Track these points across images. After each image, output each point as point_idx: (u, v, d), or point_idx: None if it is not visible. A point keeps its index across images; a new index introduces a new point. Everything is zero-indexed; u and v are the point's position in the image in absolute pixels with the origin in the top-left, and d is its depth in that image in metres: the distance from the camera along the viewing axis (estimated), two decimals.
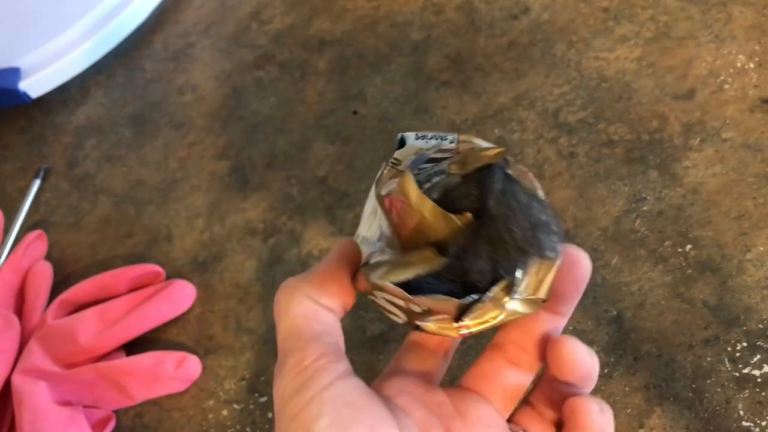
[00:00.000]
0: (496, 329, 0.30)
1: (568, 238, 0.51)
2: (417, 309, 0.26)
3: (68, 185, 0.67)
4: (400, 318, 0.28)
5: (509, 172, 0.28)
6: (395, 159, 0.29)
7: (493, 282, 0.26)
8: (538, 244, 0.26)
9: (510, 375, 0.30)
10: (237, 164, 0.63)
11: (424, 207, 0.27)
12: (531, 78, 0.59)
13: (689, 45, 0.56)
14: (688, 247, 0.49)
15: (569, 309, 0.30)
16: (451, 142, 0.29)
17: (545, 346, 0.29)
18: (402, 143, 0.30)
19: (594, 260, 0.50)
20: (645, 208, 0.51)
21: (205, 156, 0.65)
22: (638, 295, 0.48)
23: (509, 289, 0.26)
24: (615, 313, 0.48)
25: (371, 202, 0.30)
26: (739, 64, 0.54)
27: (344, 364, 0.27)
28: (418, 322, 0.27)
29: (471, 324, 0.26)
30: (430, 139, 0.30)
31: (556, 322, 0.30)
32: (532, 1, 0.63)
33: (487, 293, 0.26)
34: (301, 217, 0.58)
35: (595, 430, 0.27)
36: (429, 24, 0.65)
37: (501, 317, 0.26)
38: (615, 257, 0.50)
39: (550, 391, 0.30)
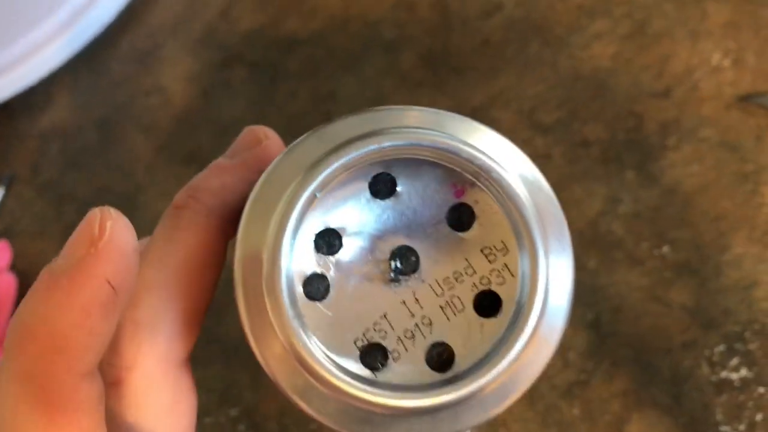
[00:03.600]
0: None
1: None
2: None
3: (33, 193, 0.65)
4: None
5: None
6: None
7: None
8: None
9: None
10: (204, 167, 0.61)
11: None
12: (505, 77, 0.58)
13: (665, 42, 0.55)
14: (666, 248, 0.48)
15: None
16: None
17: None
18: None
19: None
20: (621, 210, 0.50)
21: (172, 161, 0.63)
22: (615, 298, 0.47)
23: None
24: (592, 317, 0.47)
25: None
26: (714, 62, 0.54)
27: None
28: None
29: None
30: None
31: None
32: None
33: None
34: None
35: None
36: (401, 22, 0.64)
37: None
38: (591, 260, 0.49)
39: None
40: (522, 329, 0.20)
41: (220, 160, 0.24)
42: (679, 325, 0.45)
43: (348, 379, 0.20)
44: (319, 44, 0.65)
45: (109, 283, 0.18)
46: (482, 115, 0.56)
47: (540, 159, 0.53)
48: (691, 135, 0.51)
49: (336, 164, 0.20)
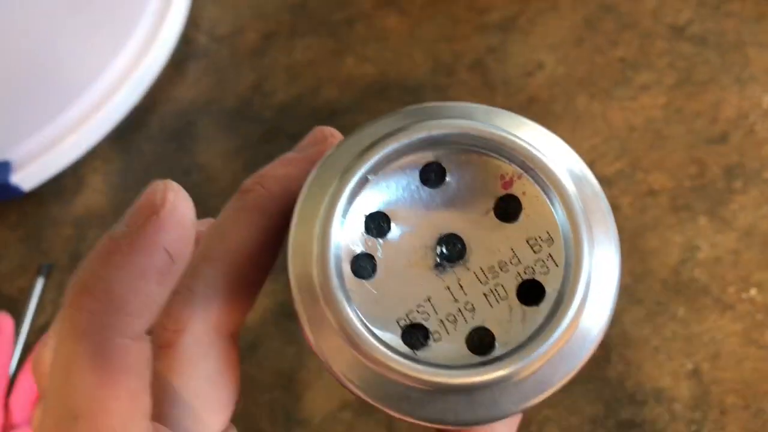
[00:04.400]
0: None
1: (628, 292, 0.50)
2: None
3: None
4: None
5: None
6: None
7: None
8: None
9: None
10: None
11: None
12: (558, 133, 0.58)
13: (712, 89, 0.57)
14: (753, 291, 0.48)
15: None
16: None
17: None
18: None
19: (659, 313, 0.49)
20: (701, 256, 0.50)
21: None
22: (711, 345, 0.47)
23: None
24: (692, 366, 0.47)
25: None
26: (765, 105, 0.55)
27: None
28: None
29: None
30: None
31: None
32: (545, 57, 0.63)
33: None
34: None
35: None
36: (442, 86, 0.64)
37: None
38: (680, 308, 0.49)
39: None
40: (561, 317, 0.20)
41: (288, 153, 0.26)
42: None
43: (388, 352, 0.20)
44: (360, 111, 0.66)
45: (166, 250, 0.19)
46: None
47: None
48: (756, 177, 0.52)
49: (388, 149, 0.21)
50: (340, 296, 0.20)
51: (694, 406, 0.46)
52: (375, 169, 0.21)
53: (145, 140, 0.70)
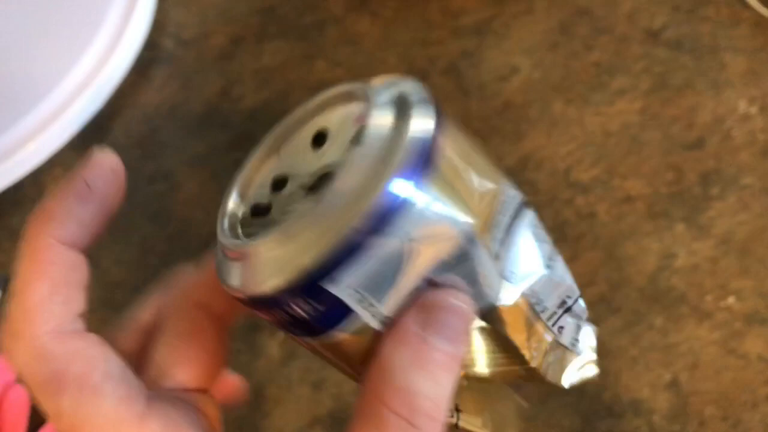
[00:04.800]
0: None
1: (605, 301, 0.49)
2: None
3: None
4: None
5: None
6: None
7: None
8: None
9: None
10: None
11: None
12: (533, 138, 0.57)
13: (688, 94, 0.56)
14: (731, 299, 0.47)
15: None
16: None
17: None
18: None
19: (637, 323, 0.48)
20: (678, 264, 0.49)
21: (189, 248, 0.60)
22: (690, 355, 0.46)
23: None
24: (670, 377, 0.46)
25: None
26: (741, 110, 0.55)
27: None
28: None
29: None
30: None
31: None
32: (520, 61, 0.62)
33: None
34: None
35: None
36: None
37: None
38: (657, 318, 0.48)
39: None
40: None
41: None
42: (760, 377, 0.45)
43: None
44: None
45: (84, 180, 0.27)
46: (517, 176, 0.55)
47: (585, 218, 0.53)
48: (733, 183, 0.52)
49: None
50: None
51: (672, 418, 0.45)
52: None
53: (109, 147, 0.68)
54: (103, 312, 0.57)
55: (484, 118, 0.60)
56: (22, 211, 0.66)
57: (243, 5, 0.74)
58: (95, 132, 0.69)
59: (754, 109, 0.54)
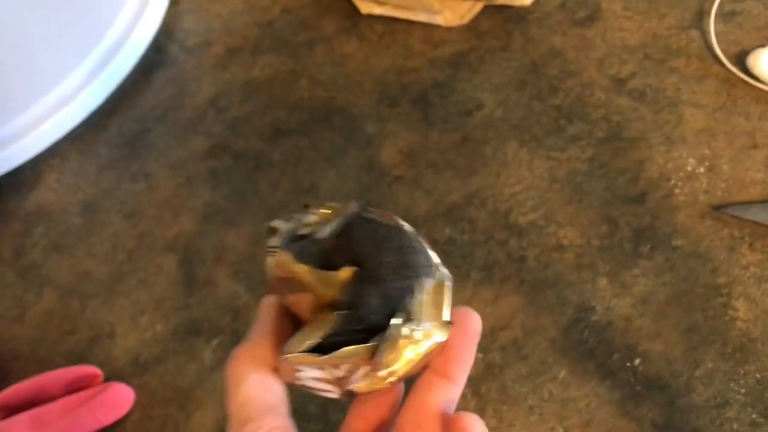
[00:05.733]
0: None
1: (516, 347, 0.50)
2: (340, 373, 0.27)
3: (14, 275, 0.66)
4: (334, 392, 0.28)
5: (367, 215, 0.29)
6: (271, 247, 0.30)
7: (390, 317, 0.27)
8: (411, 264, 0.28)
9: None
10: (185, 258, 0.62)
11: (303, 273, 0.28)
12: (483, 176, 0.58)
13: (641, 146, 0.56)
14: (637, 361, 0.47)
15: (462, 373, 0.29)
16: (314, 213, 0.31)
17: (441, 420, 0.28)
18: (273, 232, 0.31)
19: (542, 372, 0.49)
20: (594, 318, 0.50)
21: (153, 248, 0.63)
22: (585, 412, 0.47)
23: (408, 318, 0.27)
24: (562, 431, 0.46)
25: None
26: (689, 168, 0.54)
27: None
28: (349, 387, 0.27)
29: (391, 363, 0.26)
30: (296, 218, 0.31)
31: (449, 392, 0.29)
32: (486, 97, 0.62)
33: (388, 328, 0.26)
34: (247, 317, 0.56)
35: None
36: (384, 116, 0.65)
37: (419, 350, 0.26)
38: (563, 370, 0.48)
39: None
40: None
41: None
42: None
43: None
44: (303, 135, 0.66)
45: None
46: (459, 213, 0.57)
47: (514, 261, 0.53)
48: (665, 243, 0.51)
49: None
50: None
51: None
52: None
53: (103, 143, 0.72)
54: (71, 298, 0.62)
55: (442, 151, 0.61)
56: (19, 196, 0.71)
57: (246, 17, 0.77)
58: (93, 127, 0.74)
59: (701, 169, 0.54)
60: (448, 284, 0.28)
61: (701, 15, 0.61)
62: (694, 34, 0.60)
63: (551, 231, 0.54)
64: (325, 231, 0.29)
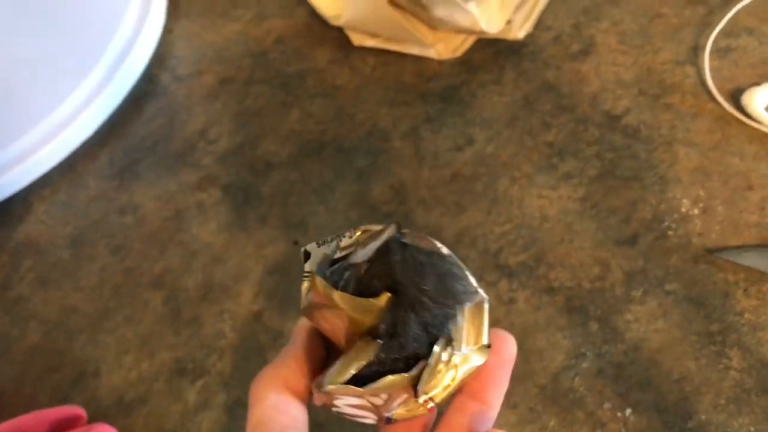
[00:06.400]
0: None
1: (505, 395, 0.49)
2: (379, 401, 0.27)
3: (0, 309, 0.65)
4: (370, 418, 0.28)
5: (404, 240, 0.29)
6: (306, 272, 0.30)
7: (431, 344, 0.27)
8: (452, 292, 0.27)
9: None
10: (172, 294, 0.61)
11: (339, 300, 0.27)
12: (473, 214, 0.57)
13: (634, 186, 0.55)
14: (628, 411, 0.46)
15: (497, 397, 0.29)
16: (350, 237, 0.30)
17: None
18: (307, 256, 0.31)
19: (531, 421, 0.48)
20: (585, 365, 0.48)
21: (140, 283, 0.62)
22: None
23: (449, 344, 0.27)
24: None
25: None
26: (683, 209, 0.53)
27: None
28: (386, 414, 0.27)
29: (429, 390, 0.26)
30: (331, 242, 0.31)
31: (485, 416, 0.28)
32: (477, 132, 0.61)
33: (430, 356, 0.26)
34: (231, 358, 0.55)
35: None
36: (375, 150, 0.64)
37: (458, 375, 0.26)
38: (552, 419, 0.47)
39: None
40: None
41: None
42: None
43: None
44: (293, 168, 0.65)
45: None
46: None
47: (505, 304, 0.52)
48: (658, 287, 0.50)
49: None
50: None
51: None
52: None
53: (93, 174, 0.72)
54: (57, 333, 0.61)
55: (432, 187, 0.60)
56: (8, 227, 0.71)
57: (240, 47, 0.77)
58: (83, 157, 0.73)
59: (696, 211, 0.52)
60: (486, 306, 0.28)
61: (696, 50, 0.61)
62: (689, 69, 0.59)
63: (542, 272, 0.53)
64: (361, 256, 0.29)
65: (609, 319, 0.50)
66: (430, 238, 0.29)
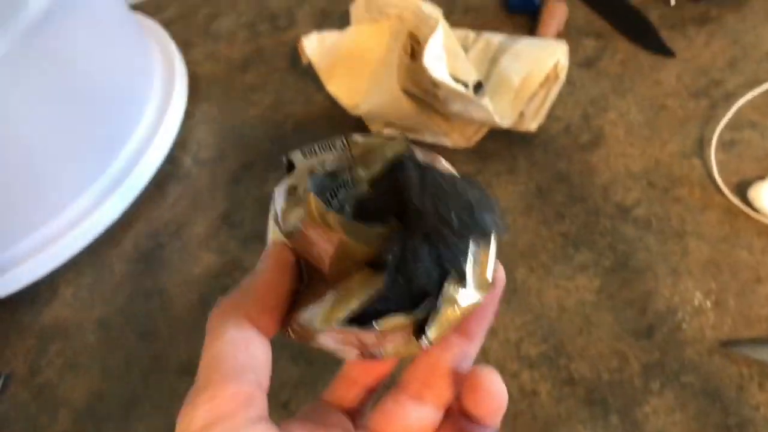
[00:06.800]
0: None
1: None
2: (371, 340, 0.24)
3: (28, 395, 0.66)
4: (352, 354, 0.25)
5: (420, 160, 0.26)
6: (290, 187, 0.26)
7: (441, 280, 0.24)
8: (481, 223, 0.25)
9: (413, 412, 0.28)
10: None
11: (336, 225, 0.24)
12: None
13: (647, 278, 0.57)
14: None
15: (482, 331, 0.28)
16: (343, 148, 0.26)
17: (452, 378, 0.27)
18: (291, 166, 0.28)
19: None
20: None
21: (168, 370, 0.64)
22: None
23: (460, 282, 0.24)
24: None
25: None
26: (696, 302, 0.55)
27: (258, 408, 0.25)
28: (374, 351, 0.25)
29: (434, 333, 0.24)
30: (319, 151, 0.27)
31: (467, 350, 0.28)
32: None
33: (440, 296, 0.24)
34: None
35: None
36: None
37: (458, 314, 0.24)
38: None
39: (456, 427, 0.28)
40: None
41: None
42: None
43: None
44: None
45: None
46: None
47: (528, 396, 0.54)
48: (674, 380, 0.52)
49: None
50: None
51: None
52: None
53: (118, 258, 0.74)
54: (86, 420, 0.62)
55: None
56: (35, 311, 0.73)
57: (259, 131, 0.80)
58: (108, 241, 0.75)
59: (708, 303, 0.55)
60: (493, 239, 0.25)
61: (702, 143, 0.64)
62: (696, 162, 0.62)
63: (562, 364, 0.55)
64: (361, 173, 0.26)
65: (629, 411, 0.51)
66: (441, 159, 0.26)
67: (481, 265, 0.25)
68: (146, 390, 0.63)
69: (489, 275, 0.25)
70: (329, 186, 0.25)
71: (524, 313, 0.58)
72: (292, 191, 0.26)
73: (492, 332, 0.58)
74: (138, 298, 0.70)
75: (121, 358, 0.66)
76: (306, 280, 0.27)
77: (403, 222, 0.25)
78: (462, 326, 0.27)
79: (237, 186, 0.76)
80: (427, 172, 0.25)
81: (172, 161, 0.80)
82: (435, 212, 0.24)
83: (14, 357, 0.70)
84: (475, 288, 0.25)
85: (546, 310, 0.58)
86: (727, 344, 0.52)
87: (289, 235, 0.25)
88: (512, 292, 0.59)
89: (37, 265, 0.73)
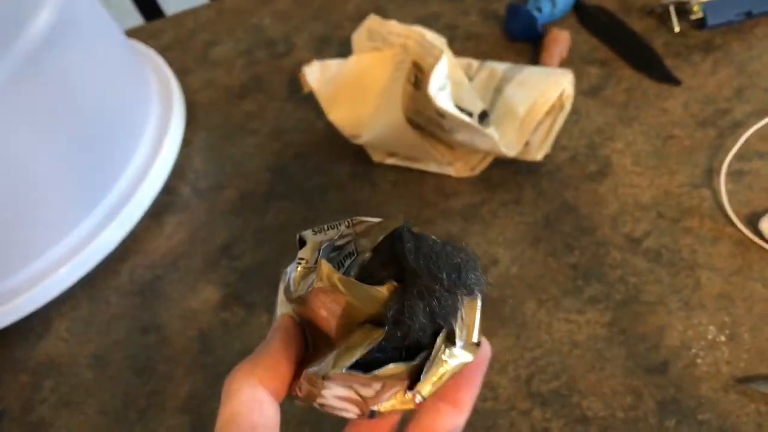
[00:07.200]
0: None
1: None
2: (371, 392, 0.27)
3: None
4: (352, 412, 0.28)
5: (414, 230, 0.29)
6: (300, 258, 0.29)
7: (435, 334, 0.27)
8: (468, 281, 0.27)
9: None
10: (198, 419, 0.60)
11: (344, 287, 0.27)
12: (503, 338, 0.58)
13: (660, 311, 0.56)
14: None
15: (470, 400, 0.29)
16: (348, 227, 0.30)
17: None
18: (303, 243, 0.31)
19: None
20: None
21: (166, 408, 0.62)
22: None
23: (450, 337, 0.27)
24: None
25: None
26: (710, 336, 0.54)
27: None
28: (373, 407, 0.27)
29: (426, 383, 0.26)
30: (327, 230, 0.30)
31: (456, 420, 0.29)
32: (501, 253, 0.63)
33: (433, 350, 0.26)
34: None
35: None
36: None
37: (447, 371, 0.27)
38: None
39: None
40: None
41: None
42: None
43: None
44: None
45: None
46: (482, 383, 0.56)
47: None
48: (690, 417, 0.51)
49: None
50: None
51: None
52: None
53: (114, 290, 0.72)
54: None
55: None
56: (28, 345, 0.70)
57: (258, 160, 0.78)
58: (104, 273, 0.74)
59: (722, 338, 0.54)
60: (479, 302, 0.28)
61: (711, 173, 0.63)
62: (705, 193, 0.61)
63: (575, 401, 0.53)
64: (364, 244, 0.29)
65: None
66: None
67: (468, 326, 0.28)
68: (143, 428, 0.61)
69: (475, 337, 0.28)
70: (336, 258, 0.29)
71: (534, 348, 0.57)
72: (301, 262, 0.29)
73: (502, 368, 0.56)
74: (134, 333, 0.68)
75: (117, 395, 0.64)
76: (311, 349, 0.30)
77: (401, 283, 0.28)
78: (448, 394, 0.29)
79: (237, 217, 0.74)
80: (421, 238, 0.28)
81: (169, 191, 0.78)
82: (428, 272, 0.27)
83: (7, 394, 0.67)
84: (463, 348, 0.27)
85: (557, 345, 0.56)
86: (744, 380, 0.51)
87: (300, 300, 0.28)
88: (522, 326, 0.58)
89: (32, 298, 0.71)
